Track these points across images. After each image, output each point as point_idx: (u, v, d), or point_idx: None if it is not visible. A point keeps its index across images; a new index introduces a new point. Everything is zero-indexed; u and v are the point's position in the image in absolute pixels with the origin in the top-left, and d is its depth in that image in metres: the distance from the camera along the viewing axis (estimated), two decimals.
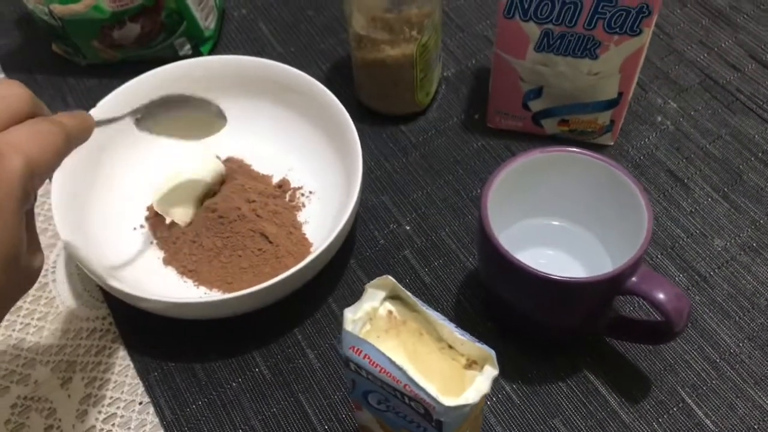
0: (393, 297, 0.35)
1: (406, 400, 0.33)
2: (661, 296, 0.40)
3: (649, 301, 0.40)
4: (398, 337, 0.34)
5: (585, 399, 0.46)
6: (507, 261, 0.40)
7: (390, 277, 0.34)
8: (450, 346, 0.34)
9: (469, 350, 0.34)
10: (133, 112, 0.46)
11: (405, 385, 0.32)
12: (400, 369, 0.32)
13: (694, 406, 0.45)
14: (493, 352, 0.33)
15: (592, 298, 0.42)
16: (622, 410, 0.45)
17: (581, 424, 0.45)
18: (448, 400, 0.31)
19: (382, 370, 0.32)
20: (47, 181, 0.58)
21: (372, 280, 0.35)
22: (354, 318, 0.34)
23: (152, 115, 0.47)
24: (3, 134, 0.32)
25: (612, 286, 0.40)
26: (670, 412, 0.45)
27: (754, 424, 0.45)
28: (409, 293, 0.34)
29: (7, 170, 0.30)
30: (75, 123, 0.36)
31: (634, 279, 0.40)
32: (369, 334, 0.34)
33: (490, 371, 0.33)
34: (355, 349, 0.33)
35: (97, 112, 0.53)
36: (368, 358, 0.33)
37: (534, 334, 0.48)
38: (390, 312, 0.35)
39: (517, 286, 0.43)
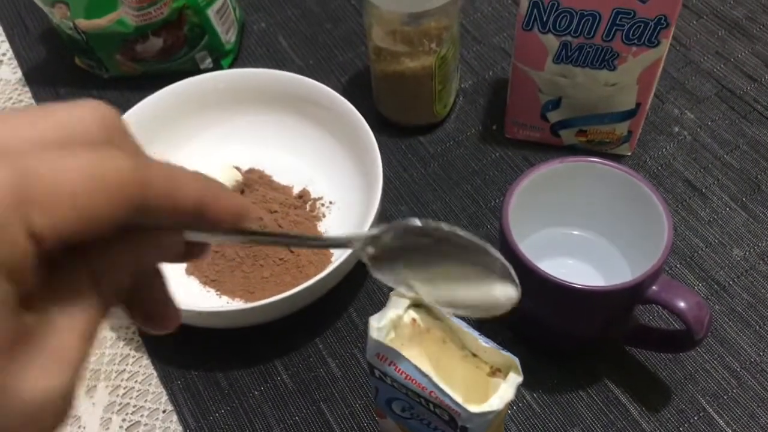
0: (417, 305, 0.35)
1: (431, 407, 0.33)
2: (682, 305, 0.40)
3: (669, 310, 0.40)
4: (422, 344, 0.35)
5: (605, 408, 0.46)
6: (528, 269, 0.41)
7: None
8: (474, 354, 0.34)
9: (492, 358, 0.34)
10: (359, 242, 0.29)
11: (430, 392, 0.32)
12: (425, 376, 0.32)
13: (715, 416, 0.45)
14: (516, 359, 0.33)
15: (612, 307, 0.42)
16: (642, 419, 0.46)
17: None
18: (474, 407, 0.32)
19: (408, 377, 0.33)
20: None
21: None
22: (379, 326, 0.34)
23: (388, 259, 0.29)
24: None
25: (632, 294, 0.41)
26: (691, 421, 0.45)
27: None
28: None
29: None
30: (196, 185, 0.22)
31: (654, 288, 0.41)
32: (393, 341, 0.35)
33: (515, 378, 0.33)
34: (381, 356, 0.33)
35: None
36: (394, 365, 0.33)
37: (554, 343, 0.48)
38: (414, 320, 0.35)
39: (538, 295, 0.43)
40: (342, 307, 0.52)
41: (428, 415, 0.34)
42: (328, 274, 0.46)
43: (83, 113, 0.21)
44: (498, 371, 0.34)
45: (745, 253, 0.52)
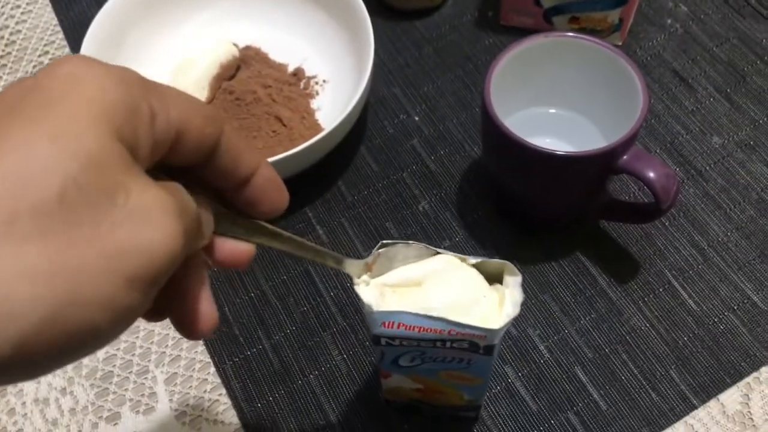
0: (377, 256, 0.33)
1: (448, 345, 0.32)
2: (651, 174, 0.42)
3: (639, 179, 0.42)
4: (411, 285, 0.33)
5: (575, 278, 0.49)
6: (506, 137, 0.42)
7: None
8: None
9: (487, 269, 0.33)
10: None
11: (449, 331, 0.31)
12: (440, 319, 0.31)
13: (679, 288, 0.48)
14: (508, 263, 0.32)
15: (586, 175, 0.44)
16: (610, 289, 0.48)
17: (570, 300, 0.48)
18: (495, 324, 0.31)
19: (421, 329, 0.31)
20: None
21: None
22: (367, 300, 0.32)
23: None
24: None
25: (604, 162, 0.42)
26: (656, 292, 0.48)
27: (734, 305, 0.47)
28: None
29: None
30: None
31: (626, 157, 0.42)
32: (388, 302, 0.32)
33: (515, 279, 0.32)
34: (386, 323, 0.32)
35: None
36: (403, 325, 0.31)
37: (532, 217, 0.50)
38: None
39: (516, 165, 0.45)
40: (331, 180, 0.54)
41: (443, 352, 0.33)
42: (317, 142, 0.48)
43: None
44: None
45: (723, 141, 0.54)
